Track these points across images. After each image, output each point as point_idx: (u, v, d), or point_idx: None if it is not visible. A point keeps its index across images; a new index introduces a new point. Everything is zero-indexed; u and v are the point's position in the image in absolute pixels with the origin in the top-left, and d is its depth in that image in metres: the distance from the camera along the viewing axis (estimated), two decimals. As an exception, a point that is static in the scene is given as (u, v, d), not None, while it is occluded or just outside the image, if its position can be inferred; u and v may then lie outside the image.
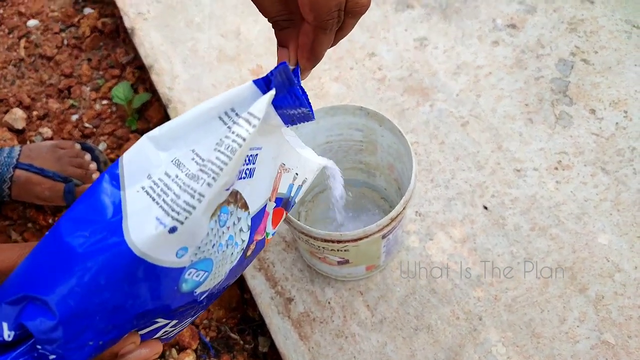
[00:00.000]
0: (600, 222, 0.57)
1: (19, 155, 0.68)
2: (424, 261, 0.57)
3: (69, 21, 0.91)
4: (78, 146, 0.71)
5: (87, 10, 0.91)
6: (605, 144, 0.61)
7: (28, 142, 0.78)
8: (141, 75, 0.83)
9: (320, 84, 0.69)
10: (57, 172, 0.68)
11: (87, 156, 0.71)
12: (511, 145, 0.63)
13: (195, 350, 0.63)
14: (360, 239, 0.44)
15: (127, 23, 0.79)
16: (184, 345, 0.63)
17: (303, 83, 0.38)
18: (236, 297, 0.65)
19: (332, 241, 0.44)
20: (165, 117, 0.77)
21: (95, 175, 0.70)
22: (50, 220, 0.74)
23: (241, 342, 0.63)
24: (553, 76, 0.66)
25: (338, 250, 0.47)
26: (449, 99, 0.67)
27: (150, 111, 0.78)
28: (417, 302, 0.55)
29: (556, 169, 0.61)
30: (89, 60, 0.87)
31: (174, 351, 0.63)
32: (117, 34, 0.88)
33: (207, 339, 0.63)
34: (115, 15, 0.89)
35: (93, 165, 0.70)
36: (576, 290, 0.54)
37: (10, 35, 0.90)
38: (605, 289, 0.54)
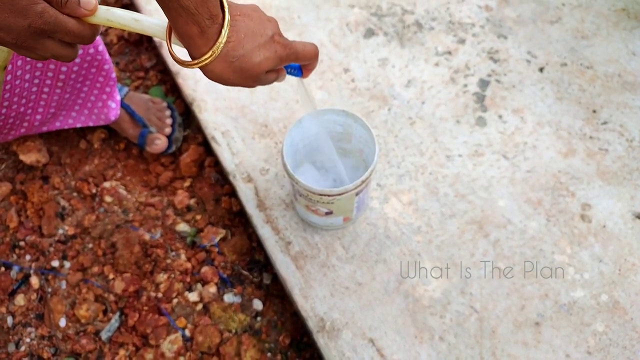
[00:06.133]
0: (500, 192, 0.85)
1: (124, 95, 0.95)
2: (382, 217, 0.84)
3: (97, 30, 1.13)
4: (165, 104, 0.97)
5: (114, 22, 1.13)
6: (507, 139, 0.90)
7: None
8: (163, 78, 1.07)
9: (309, 90, 0.95)
10: (142, 117, 0.94)
11: (168, 112, 0.96)
12: (444, 138, 0.90)
13: (216, 284, 0.88)
14: (342, 194, 0.70)
15: (155, 37, 1.03)
16: (207, 280, 0.88)
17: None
18: (246, 245, 0.90)
19: (325, 195, 0.70)
20: (187, 111, 1.01)
21: (168, 129, 0.94)
22: (94, 190, 0.97)
23: (250, 277, 0.88)
24: (475, 90, 0.95)
25: (327, 202, 0.73)
26: (402, 104, 0.94)
27: (175, 105, 1.02)
28: (377, 244, 0.82)
29: (474, 155, 0.89)
30: (117, 63, 1.09)
31: (199, 285, 0.88)
32: (141, 43, 1.11)
33: (225, 275, 0.88)
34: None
35: (169, 121, 0.95)
36: (482, 235, 0.82)
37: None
38: (500, 235, 0.82)
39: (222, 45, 0.47)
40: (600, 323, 0.75)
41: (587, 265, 0.79)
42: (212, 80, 0.50)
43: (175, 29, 0.47)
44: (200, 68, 0.49)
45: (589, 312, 0.76)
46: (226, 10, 0.47)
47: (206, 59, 0.47)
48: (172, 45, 0.50)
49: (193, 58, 0.49)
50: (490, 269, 0.79)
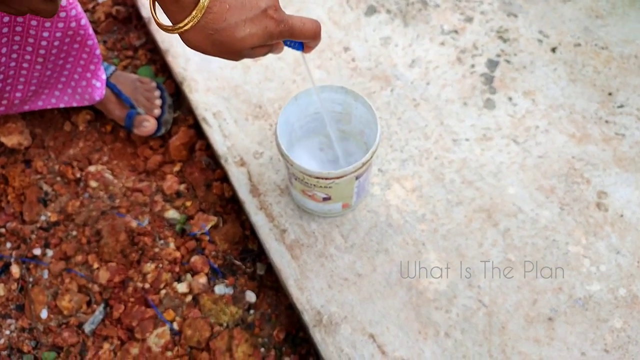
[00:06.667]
0: (510, 178, 0.80)
1: (111, 74, 0.90)
2: (383, 204, 0.79)
3: (84, 7, 1.07)
4: (154, 84, 0.92)
5: (102, -1, 1.08)
6: (517, 123, 0.85)
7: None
8: (152, 57, 1.01)
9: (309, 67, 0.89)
10: (130, 98, 0.88)
11: (157, 93, 0.91)
12: (450, 121, 0.85)
13: (207, 274, 0.83)
14: (341, 177, 0.65)
15: (144, 13, 0.97)
16: (197, 270, 0.83)
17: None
18: (239, 234, 0.85)
19: (322, 178, 0.65)
20: (177, 92, 0.96)
21: (157, 110, 0.90)
22: (78, 175, 0.91)
23: (243, 267, 0.83)
24: (483, 71, 0.89)
25: (324, 187, 0.68)
26: (405, 85, 0.88)
27: (165, 85, 0.96)
28: (378, 233, 0.77)
29: (482, 139, 0.83)
30: (105, 42, 1.04)
31: (188, 275, 0.83)
32: (130, 21, 1.05)
33: (216, 265, 0.83)
34: (127, 4, 1.06)
35: (158, 102, 0.90)
36: (491, 225, 0.77)
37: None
38: (510, 224, 0.77)
39: (199, 15, 0.42)
40: (618, 319, 0.70)
41: (603, 257, 0.74)
42: (191, 48, 0.46)
43: None
44: (179, 35, 0.44)
45: (605, 307, 0.71)
46: None
47: (181, 27, 0.43)
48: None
49: (171, 23, 0.44)
50: (500, 259, 0.74)
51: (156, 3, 0.45)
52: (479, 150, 0.82)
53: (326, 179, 0.66)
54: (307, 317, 0.72)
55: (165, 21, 0.47)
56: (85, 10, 1.06)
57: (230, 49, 0.46)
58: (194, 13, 0.42)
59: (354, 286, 0.73)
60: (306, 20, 0.51)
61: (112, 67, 0.92)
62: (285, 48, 0.55)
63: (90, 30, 0.79)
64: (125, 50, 1.02)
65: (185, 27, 0.43)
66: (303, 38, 0.52)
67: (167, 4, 0.43)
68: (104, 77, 0.87)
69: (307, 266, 0.75)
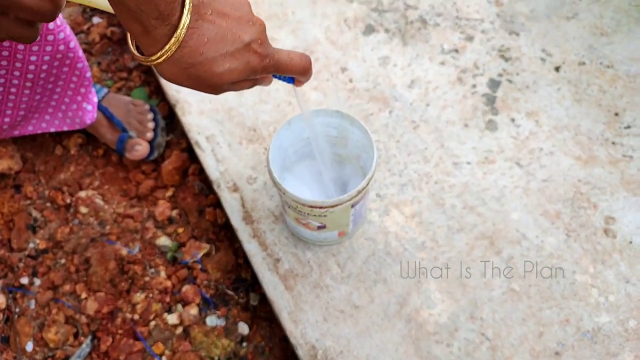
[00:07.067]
0: (514, 203, 0.77)
1: (103, 97, 0.88)
2: (382, 231, 0.76)
3: (79, 28, 1.06)
4: (147, 107, 0.90)
5: (96, 20, 1.06)
6: (520, 145, 0.82)
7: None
8: (147, 79, 0.99)
9: (303, 91, 0.87)
10: (122, 121, 0.87)
11: (150, 116, 0.89)
12: (451, 144, 0.82)
13: (198, 305, 0.80)
14: (336, 205, 0.62)
15: (138, 34, 0.95)
16: (188, 301, 0.80)
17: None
18: (232, 262, 0.82)
19: (316, 207, 0.62)
20: (170, 114, 0.94)
21: (150, 134, 0.88)
22: (68, 200, 0.89)
23: (235, 297, 0.80)
24: (484, 91, 0.87)
25: (319, 215, 0.65)
26: (404, 107, 0.86)
27: (159, 108, 0.94)
28: (376, 262, 0.74)
29: (484, 163, 0.80)
30: (99, 63, 1.02)
31: (179, 306, 0.80)
32: (125, 42, 1.04)
33: (208, 295, 0.80)
34: (122, 25, 1.05)
35: (151, 125, 0.88)
36: (494, 252, 0.74)
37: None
38: (514, 252, 0.74)
39: (173, 50, 0.39)
40: (629, 353, 0.66)
41: (612, 286, 0.70)
42: (166, 80, 0.43)
43: (121, 21, 0.40)
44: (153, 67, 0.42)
45: (615, 340, 0.67)
46: (186, 9, 0.39)
47: (154, 60, 0.40)
48: None
49: (145, 54, 0.41)
50: (503, 290, 0.71)
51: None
52: (480, 173, 0.79)
53: (320, 207, 0.63)
54: (302, 352, 0.68)
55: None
56: (80, 32, 1.05)
57: (207, 84, 0.43)
58: (167, 46, 0.39)
59: (351, 319, 0.70)
60: (295, 55, 0.48)
61: (105, 90, 0.90)
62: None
63: (80, 53, 0.77)
64: (120, 71, 1.00)
65: (158, 61, 0.40)
66: (290, 74, 0.49)
67: (139, 37, 0.40)
68: (95, 100, 0.85)
69: (301, 297, 0.72)
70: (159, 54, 0.40)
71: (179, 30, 0.39)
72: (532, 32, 0.91)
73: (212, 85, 0.44)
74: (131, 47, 0.44)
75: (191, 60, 0.41)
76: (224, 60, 0.42)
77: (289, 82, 0.53)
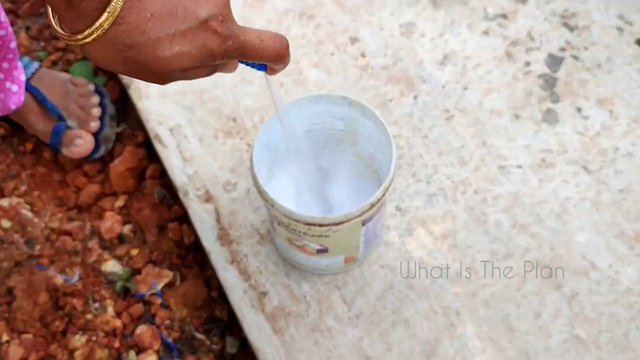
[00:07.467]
0: (579, 221, 0.78)
1: (32, 74, 0.89)
2: (403, 256, 0.77)
3: (2, -18, 1.07)
4: (92, 87, 0.91)
5: (25, -29, 1.08)
6: (589, 143, 0.82)
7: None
8: (91, 50, 1.00)
9: (299, 69, 0.88)
10: (58, 106, 0.88)
11: (95, 99, 0.90)
12: (496, 141, 0.83)
13: (157, 352, 0.80)
14: (342, 222, 0.63)
15: (80, -10, 0.97)
16: (144, 347, 0.81)
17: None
18: (202, 295, 0.83)
19: (314, 224, 0.63)
20: (122, 98, 0.95)
21: (94, 123, 0.88)
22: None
23: (207, 342, 0.81)
24: (542, 71, 0.87)
25: (319, 235, 0.65)
26: (434, 90, 0.87)
27: (107, 88, 0.95)
28: (394, 297, 0.75)
29: (540, 166, 0.81)
30: (28, 28, 1.04)
31: (132, 353, 0.81)
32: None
33: (170, 340, 0.81)
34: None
35: (96, 111, 0.89)
36: (552, 286, 0.74)
37: None
38: (579, 286, 0.74)
39: (105, 27, 0.40)
40: None
41: None
42: (96, 64, 0.44)
43: None
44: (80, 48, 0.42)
45: None
46: None
47: (79, 40, 0.41)
48: None
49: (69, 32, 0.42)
50: (564, 337, 0.71)
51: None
52: (535, 181, 0.80)
53: (320, 225, 0.63)
54: (294, 418, 0.69)
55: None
56: (3, -14, 1.06)
57: (150, 71, 0.44)
58: (97, 23, 0.40)
59: (361, 373, 0.71)
60: (266, 35, 0.48)
61: (35, 64, 0.91)
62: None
63: (2, 16, 0.78)
64: (55, 40, 1.02)
65: (86, 40, 0.41)
66: (260, 60, 0.49)
67: (59, 10, 0.39)
68: (22, 78, 0.86)
69: (295, 344, 0.73)
70: (86, 32, 0.40)
71: (113, 3, 0.39)
72: (605, -7, 0.93)
73: (156, 73, 0.44)
74: (52, 21, 0.44)
75: (129, 40, 0.41)
76: (172, 42, 0.42)
77: (259, 70, 0.54)
